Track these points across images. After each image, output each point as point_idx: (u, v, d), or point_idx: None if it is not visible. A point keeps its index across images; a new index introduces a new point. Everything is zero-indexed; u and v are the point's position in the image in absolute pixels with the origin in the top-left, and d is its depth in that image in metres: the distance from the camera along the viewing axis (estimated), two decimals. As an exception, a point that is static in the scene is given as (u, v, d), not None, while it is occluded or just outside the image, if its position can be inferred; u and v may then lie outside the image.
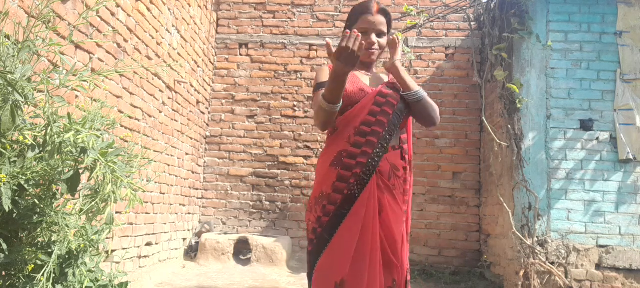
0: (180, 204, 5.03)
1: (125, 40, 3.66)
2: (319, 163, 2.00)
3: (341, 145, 1.89)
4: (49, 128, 1.56)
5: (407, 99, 1.97)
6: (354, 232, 1.79)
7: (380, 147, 1.88)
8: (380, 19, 1.96)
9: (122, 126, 3.57)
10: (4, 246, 1.54)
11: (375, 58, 2.02)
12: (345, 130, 1.90)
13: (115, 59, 3.48)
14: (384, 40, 2.00)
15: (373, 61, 2.02)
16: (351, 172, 1.84)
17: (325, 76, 1.93)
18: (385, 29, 1.98)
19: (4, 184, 1.47)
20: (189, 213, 5.38)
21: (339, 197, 1.83)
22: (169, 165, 4.63)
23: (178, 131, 4.87)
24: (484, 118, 4.84)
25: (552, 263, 4.17)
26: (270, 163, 5.84)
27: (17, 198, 1.57)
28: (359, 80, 1.99)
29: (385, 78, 2.10)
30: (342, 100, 1.82)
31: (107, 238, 1.88)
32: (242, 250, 5.12)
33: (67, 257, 1.69)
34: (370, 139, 1.87)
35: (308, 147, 5.82)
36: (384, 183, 1.88)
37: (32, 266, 1.60)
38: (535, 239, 4.21)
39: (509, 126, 4.44)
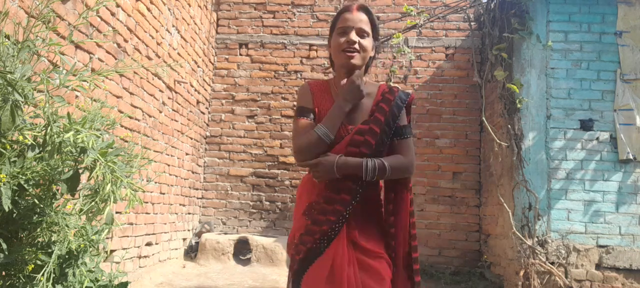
0: (180, 204, 5.03)
1: (125, 40, 3.66)
2: (296, 199, 1.88)
3: (314, 196, 1.76)
4: (49, 128, 1.56)
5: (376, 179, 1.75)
6: (318, 280, 1.67)
7: (353, 202, 1.71)
8: (361, 16, 1.79)
9: (122, 126, 3.57)
10: (4, 246, 1.53)
11: (357, 62, 1.78)
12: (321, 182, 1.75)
13: (115, 58, 3.48)
14: (367, 42, 1.78)
15: (355, 65, 1.78)
16: (319, 227, 1.70)
17: (307, 100, 1.80)
18: (367, 28, 1.79)
19: (4, 184, 1.47)
20: (189, 213, 5.38)
21: (303, 249, 1.70)
22: (169, 165, 4.63)
23: (178, 131, 4.87)
24: (484, 118, 4.84)
25: (552, 263, 4.17)
26: (270, 163, 5.84)
27: (17, 198, 1.57)
28: (329, 100, 1.81)
29: (374, 91, 1.86)
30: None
31: (107, 238, 1.88)
32: (242, 250, 5.12)
33: (67, 257, 1.69)
34: (344, 197, 1.70)
35: (308, 147, 5.82)
36: (353, 238, 1.72)
37: (32, 266, 1.60)
38: (535, 239, 4.21)
39: (509, 126, 4.43)
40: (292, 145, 1.79)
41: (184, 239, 5.25)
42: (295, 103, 5.89)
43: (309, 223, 1.73)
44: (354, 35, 1.76)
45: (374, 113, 1.79)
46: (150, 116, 4.15)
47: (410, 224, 1.85)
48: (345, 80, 1.83)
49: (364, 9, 1.81)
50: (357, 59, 1.78)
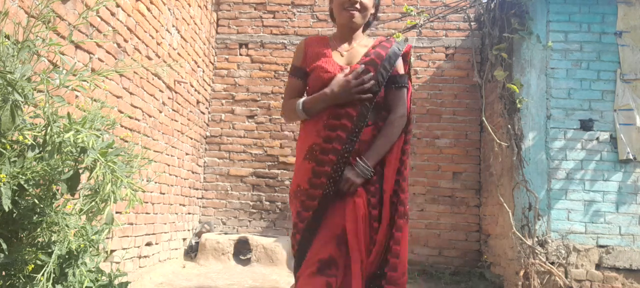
0: (180, 204, 5.03)
1: (125, 40, 3.66)
2: (297, 151, 1.93)
3: (312, 138, 1.80)
4: (49, 128, 1.56)
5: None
6: (334, 227, 1.74)
7: (350, 141, 1.75)
8: None
9: (122, 126, 3.57)
10: (4, 246, 1.53)
11: (357, 20, 1.82)
12: (317, 121, 1.80)
13: (115, 58, 3.48)
14: (368, 1, 1.83)
15: (356, 24, 1.83)
16: (323, 168, 1.75)
17: (297, 58, 1.92)
18: None
19: (4, 184, 1.47)
20: (189, 213, 5.38)
21: (317, 193, 1.76)
22: (169, 165, 4.63)
23: (178, 131, 4.87)
24: (484, 118, 4.84)
25: (552, 263, 4.17)
26: (270, 163, 5.84)
27: (17, 198, 1.57)
28: (330, 58, 1.85)
29: (370, 43, 1.90)
30: (312, 83, 1.83)
31: (107, 238, 1.88)
32: (242, 250, 5.11)
33: (67, 257, 1.69)
34: (340, 134, 1.75)
35: (308, 147, 5.82)
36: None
37: (32, 266, 1.60)
38: (535, 239, 4.21)
39: (509, 126, 4.43)
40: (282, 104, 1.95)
41: (184, 239, 5.25)
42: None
43: (314, 166, 1.77)
44: None
45: (369, 54, 1.84)
46: (150, 116, 4.15)
47: (401, 161, 1.85)
48: (346, 47, 1.90)
49: None
50: (357, 18, 1.83)
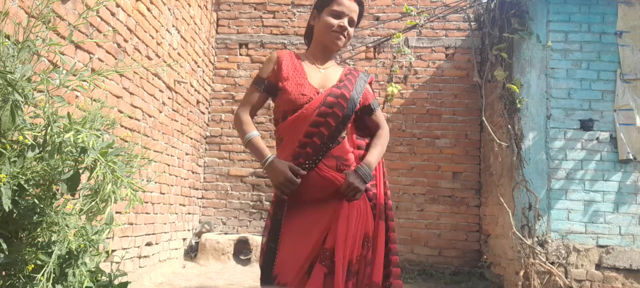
0: (180, 204, 5.03)
1: (125, 40, 3.66)
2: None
3: (287, 158, 1.83)
4: (49, 128, 1.56)
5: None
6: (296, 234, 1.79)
7: (321, 153, 1.81)
8: (355, 6, 1.88)
9: (122, 126, 3.57)
10: (4, 246, 1.53)
11: (340, 45, 1.90)
12: (290, 141, 1.83)
13: (115, 58, 3.48)
14: (352, 31, 1.90)
15: (338, 48, 1.90)
16: (304, 150, 1.81)
17: (265, 69, 1.90)
18: (356, 18, 1.90)
19: (4, 184, 1.47)
20: (189, 213, 5.38)
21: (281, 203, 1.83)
22: (169, 165, 4.63)
23: (178, 131, 4.87)
24: (484, 118, 4.84)
25: (552, 263, 4.17)
26: (270, 163, 5.84)
27: (17, 198, 1.57)
28: (305, 79, 1.86)
29: (340, 70, 1.95)
30: (284, 103, 1.83)
31: (107, 238, 1.88)
32: (242, 250, 5.12)
33: (67, 257, 1.69)
34: (308, 151, 1.80)
35: (308, 147, 5.82)
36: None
37: (32, 266, 1.60)
38: (535, 239, 4.21)
39: (509, 126, 4.43)
40: (237, 108, 1.94)
41: (184, 239, 5.25)
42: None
43: (294, 154, 1.81)
44: (345, 22, 1.86)
45: (343, 80, 1.89)
46: (150, 116, 4.15)
47: (383, 173, 2.00)
48: (320, 68, 1.92)
49: (359, 0, 1.92)
50: (341, 43, 1.90)
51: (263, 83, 1.89)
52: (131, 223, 3.84)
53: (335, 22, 1.85)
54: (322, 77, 1.89)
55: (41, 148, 1.58)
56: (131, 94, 3.78)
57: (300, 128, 1.80)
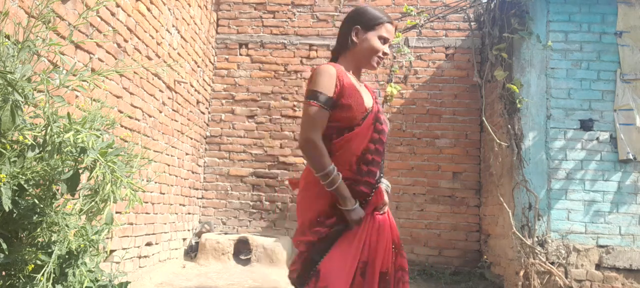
0: (180, 204, 5.03)
1: (125, 40, 3.66)
2: (308, 190, 1.86)
3: (345, 174, 1.80)
4: (49, 128, 1.56)
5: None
6: (349, 248, 1.80)
7: (379, 177, 1.87)
8: (394, 34, 1.96)
9: (122, 126, 3.57)
10: (4, 246, 1.53)
11: (378, 68, 2.06)
12: (345, 157, 1.79)
13: (115, 58, 3.48)
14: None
15: (374, 70, 2.01)
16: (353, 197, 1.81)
17: (328, 86, 1.77)
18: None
19: (4, 184, 1.47)
20: (189, 213, 5.38)
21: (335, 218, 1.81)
22: (169, 165, 4.63)
23: (178, 131, 4.87)
24: (484, 118, 4.84)
25: (552, 263, 4.17)
26: (270, 163, 5.84)
27: (17, 198, 1.57)
28: (360, 96, 1.85)
29: (365, 89, 2.00)
30: (343, 119, 1.80)
31: (107, 238, 1.88)
32: (242, 250, 5.12)
33: (67, 257, 1.69)
34: (372, 169, 1.82)
35: (308, 147, 5.82)
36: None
37: (32, 266, 1.60)
38: (535, 239, 4.21)
39: (509, 126, 4.43)
40: (304, 132, 1.78)
41: (184, 239, 5.25)
42: (295, 103, 5.89)
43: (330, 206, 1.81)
44: (387, 49, 1.92)
45: (373, 96, 1.95)
46: (150, 116, 4.15)
47: None
48: (358, 83, 1.95)
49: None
50: (378, 67, 2.02)
51: (330, 102, 1.78)
52: (131, 223, 3.84)
53: (381, 47, 1.89)
54: (365, 94, 1.91)
55: (41, 148, 1.58)
56: (131, 94, 3.78)
57: (358, 146, 1.81)
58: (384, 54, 1.90)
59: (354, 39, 1.90)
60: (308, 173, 1.87)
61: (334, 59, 1.97)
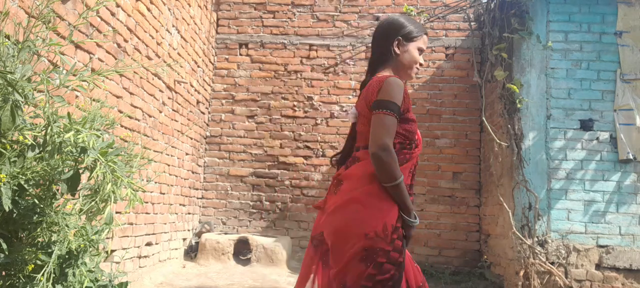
0: (180, 204, 5.03)
1: (125, 40, 3.66)
2: (371, 201, 1.74)
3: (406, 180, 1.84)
4: (49, 128, 1.56)
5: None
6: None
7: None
8: (427, 42, 2.03)
9: (122, 126, 3.57)
10: (4, 246, 1.53)
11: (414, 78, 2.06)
12: (407, 166, 1.83)
13: (115, 58, 3.48)
14: None
15: (411, 80, 2.08)
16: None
17: (399, 98, 1.76)
18: None
19: (4, 184, 1.47)
20: (189, 213, 5.38)
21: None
22: (169, 165, 4.63)
23: (178, 131, 4.87)
24: (484, 118, 4.84)
25: (552, 263, 4.17)
26: (270, 163, 5.84)
27: (17, 198, 1.57)
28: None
29: None
30: (408, 132, 1.83)
31: (107, 238, 1.88)
32: (242, 250, 5.12)
33: (67, 257, 1.69)
34: (412, 183, 1.90)
35: (308, 147, 5.82)
36: None
37: (32, 266, 1.60)
38: (535, 239, 4.21)
39: (509, 126, 4.44)
40: (380, 139, 1.70)
41: (184, 239, 5.25)
42: (295, 103, 5.89)
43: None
44: (423, 59, 1.98)
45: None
46: (150, 116, 4.15)
47: None
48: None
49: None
50: (415, 77, 2.19)
51: (399, 111, 1.76)
52: (131, 223, 3.83)
53: (419, 58, 1.93)
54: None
55: (41, 149, 1.58)
56: (131, 94, 3.78)
57: (414, 160, 1.86)
58: (421, 64, 1.95)
59: (397, 50, 1.90)
60: (369, 183, 1.76)
61: (373, 71, 1.93)
